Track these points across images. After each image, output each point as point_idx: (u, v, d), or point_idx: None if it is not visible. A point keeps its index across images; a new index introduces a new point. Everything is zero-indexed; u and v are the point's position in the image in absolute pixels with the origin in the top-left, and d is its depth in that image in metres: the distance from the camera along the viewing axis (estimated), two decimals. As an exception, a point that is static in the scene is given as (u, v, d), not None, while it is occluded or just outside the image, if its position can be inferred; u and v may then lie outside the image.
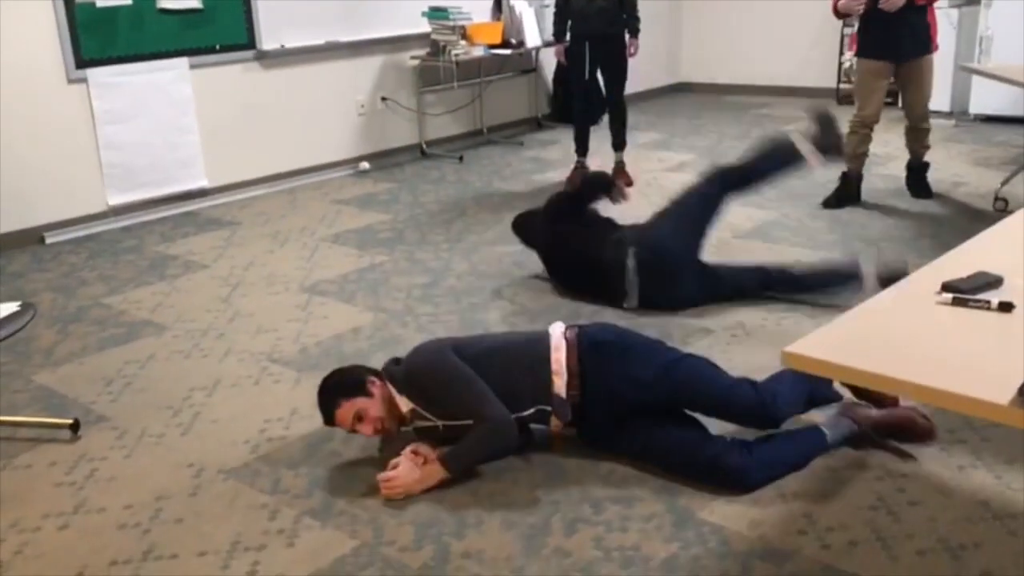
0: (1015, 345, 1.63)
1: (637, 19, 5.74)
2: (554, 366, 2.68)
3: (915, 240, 4.57)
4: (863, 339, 1.69)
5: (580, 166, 6.01)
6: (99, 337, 3.82)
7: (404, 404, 2.72)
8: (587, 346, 2.72)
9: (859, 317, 1.79)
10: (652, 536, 2.39)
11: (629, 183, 5.63)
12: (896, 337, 1.70)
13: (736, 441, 2.64)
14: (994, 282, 1.91)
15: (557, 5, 5.84)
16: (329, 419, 2.74)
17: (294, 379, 3.37)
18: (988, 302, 1.81)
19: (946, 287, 1.88)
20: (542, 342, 2.75)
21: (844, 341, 1.67)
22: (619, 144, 5.97)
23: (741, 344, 3.49)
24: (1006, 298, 1.82)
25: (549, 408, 2.68)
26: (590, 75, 5.80)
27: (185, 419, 3.11)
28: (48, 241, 5.10)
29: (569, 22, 5.78)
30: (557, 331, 2.79)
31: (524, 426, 2.72)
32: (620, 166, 5.97)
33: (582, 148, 6.03)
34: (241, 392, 3.29)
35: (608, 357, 2.71)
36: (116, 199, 5.39)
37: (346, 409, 2.68)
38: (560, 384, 2.67)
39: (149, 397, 3.28)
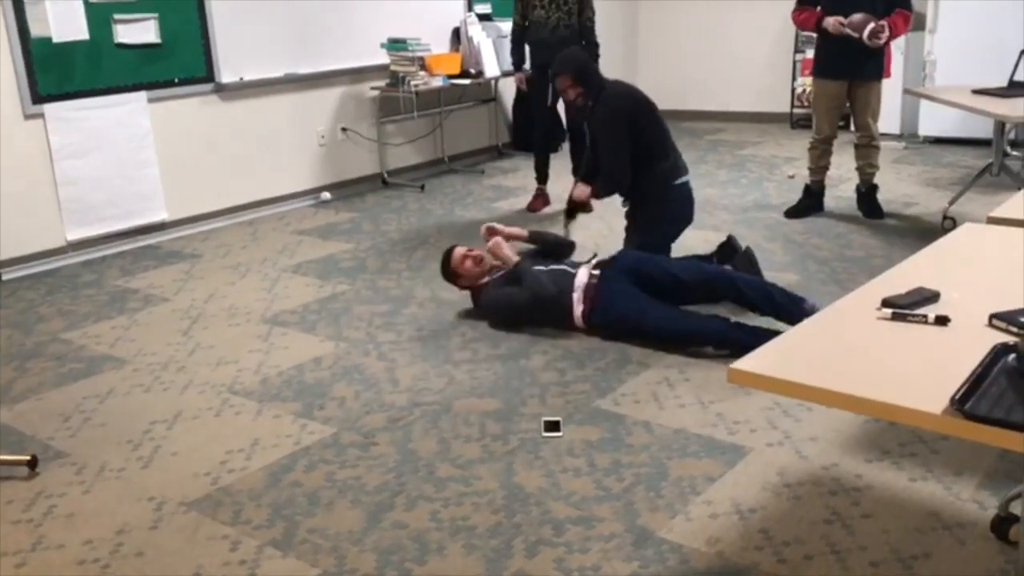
0: (949, 357, 1.69)
1: (596, 45, 5.84)
2: (576, 314, 3.89)
3: (867, 260, 4.67)
4: (804, 354, 1.74)
5: (540, 193, 6.08)
6: (57, 373, 3.79)
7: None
8: (601, 308, 3.82)
9: (801, 333, 1.85)
10: (612, 556, 2.42)
11: (589, 209, 5.72)
12: (837, 352, 1.76)
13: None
14: (931, 297, 1.98)
15: (513, 33, 5.94)
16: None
17: (255, 410, 3.37)
18: (925, 316, 1.87)
19: (886, 303, 1.94)
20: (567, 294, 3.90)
21: (786, 357, 1.72)
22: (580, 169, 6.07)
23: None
24: (942, 312, 1.88)
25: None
26: (552, 103, 5.88)
27: (145, 452, 3.10)
28: (5, 278, 5.05)
29: (529, 50, 5.87)
30: (579, 286, 3.87)
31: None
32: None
33: (542, 176, 6.11)
34: (202, 424, 3.28)
35: (614, 319, 3.81)
36: (75, 234, 5.36)
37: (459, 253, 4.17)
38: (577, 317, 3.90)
39: (108, 431, 3.26)
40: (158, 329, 4.23)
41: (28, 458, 3.00)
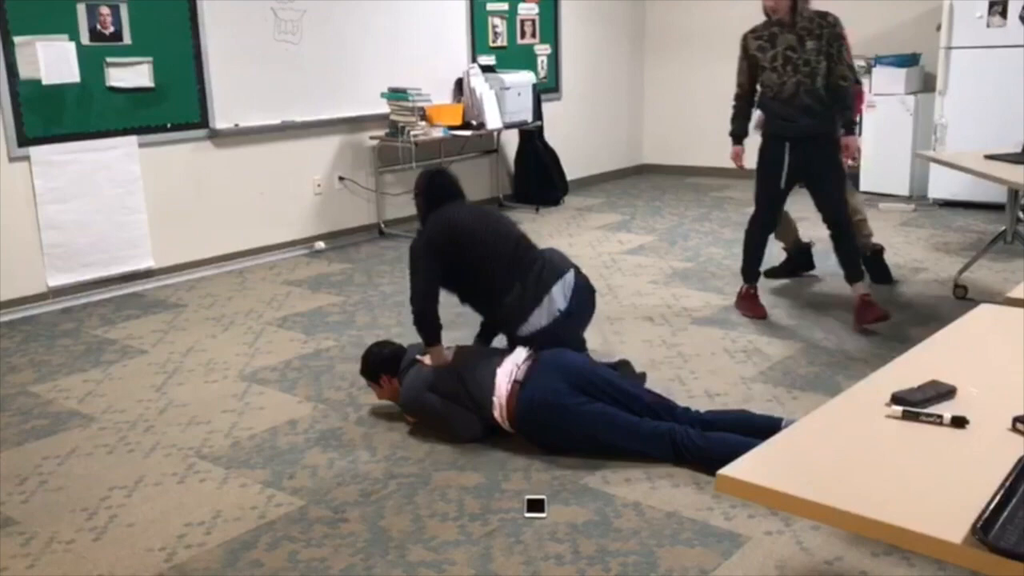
0: (969, 467, 1.50)
1: (851, 110, 4.55)
2: (496, 412, 3.30)
3: (875, 329, 4.47)
4: (805, 461, 1.54)
5: (749, 293, 4.80)
6: (19, 429, 3.60)
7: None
8: (522, 407, 3.24)
9: (802, 434, 1.65)
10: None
11: (882, 316, 4.36)
12: (841, 458, 1.56)
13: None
14: (947, 393, 1.79)
15: (735, 100, 4.73)
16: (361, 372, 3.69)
17: (221, 477, 3.17)
18: (940, 417, 1.68)
19: (896, 399, 1.75)
20: (489, 390, 3.31)
21: (784, 463, 1.53)
22: (855, 274, 4.56)
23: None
24: (959, 411, 1.69)
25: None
26: (787, 185, 4.66)
27: (100, 522, 2.89)
28: (-19, 324, 4.90)
29: (763, 119, 4.71)
30: (502, 384, 3.29)
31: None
32: (866, 298, 4.48)
33: (753, 271, 4.80)
34: (163, 491, 3.08)
35: (537, 419, 3.24)
36: (56, 280, 5.20)
37: (367, 381, 3.68)
38: (499, 418, 3.31)
39: (64, 497, 3.06)
40: (131, 384, 4.04)
41: (-28, 527, 2.80)
